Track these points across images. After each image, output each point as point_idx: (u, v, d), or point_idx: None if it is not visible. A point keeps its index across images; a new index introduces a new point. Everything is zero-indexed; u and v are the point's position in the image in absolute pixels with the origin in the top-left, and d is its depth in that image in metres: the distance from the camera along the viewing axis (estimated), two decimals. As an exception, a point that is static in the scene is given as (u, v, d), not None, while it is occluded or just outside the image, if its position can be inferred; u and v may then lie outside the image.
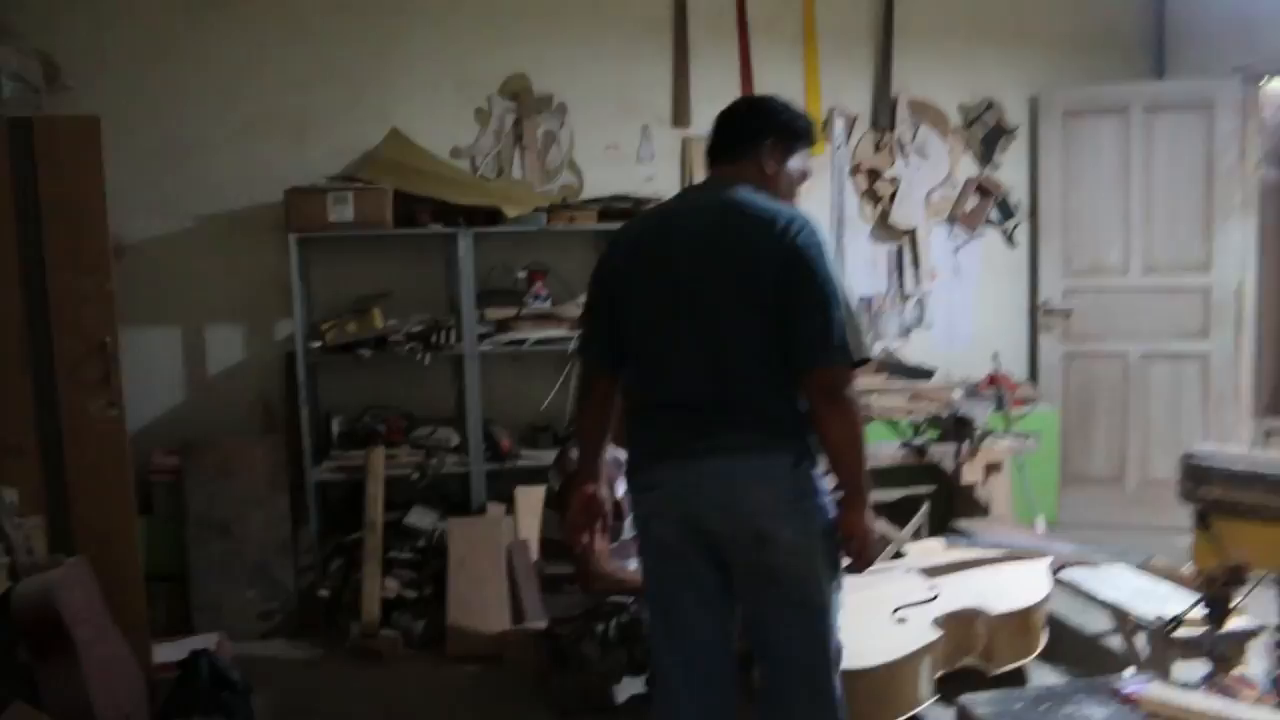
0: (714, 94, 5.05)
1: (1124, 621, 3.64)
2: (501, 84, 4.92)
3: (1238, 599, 3.16)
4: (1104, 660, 3.82)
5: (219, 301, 4.71)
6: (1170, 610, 3.35)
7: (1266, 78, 5.15)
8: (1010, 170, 5.54)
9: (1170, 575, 3.84)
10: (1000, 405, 4.93)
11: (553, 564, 3.49)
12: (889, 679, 3.22)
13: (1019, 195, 5.53)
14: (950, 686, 3.52)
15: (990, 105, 5.49)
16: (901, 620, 3.42)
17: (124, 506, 3.42)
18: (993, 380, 5.08)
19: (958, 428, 4.74)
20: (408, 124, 4.77)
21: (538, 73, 4.95)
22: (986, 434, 4.74)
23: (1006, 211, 5.51)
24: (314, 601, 4.27)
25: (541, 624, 3.77)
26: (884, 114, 5.36)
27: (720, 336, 2.36)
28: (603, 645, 3.42)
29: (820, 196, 5.23)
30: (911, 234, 5.44)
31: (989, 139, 5.50)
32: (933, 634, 3.40)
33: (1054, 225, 5.42)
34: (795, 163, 2.57)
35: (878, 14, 5.34)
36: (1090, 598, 3.74)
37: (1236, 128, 5.15)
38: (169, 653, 3.59)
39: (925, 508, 4.40)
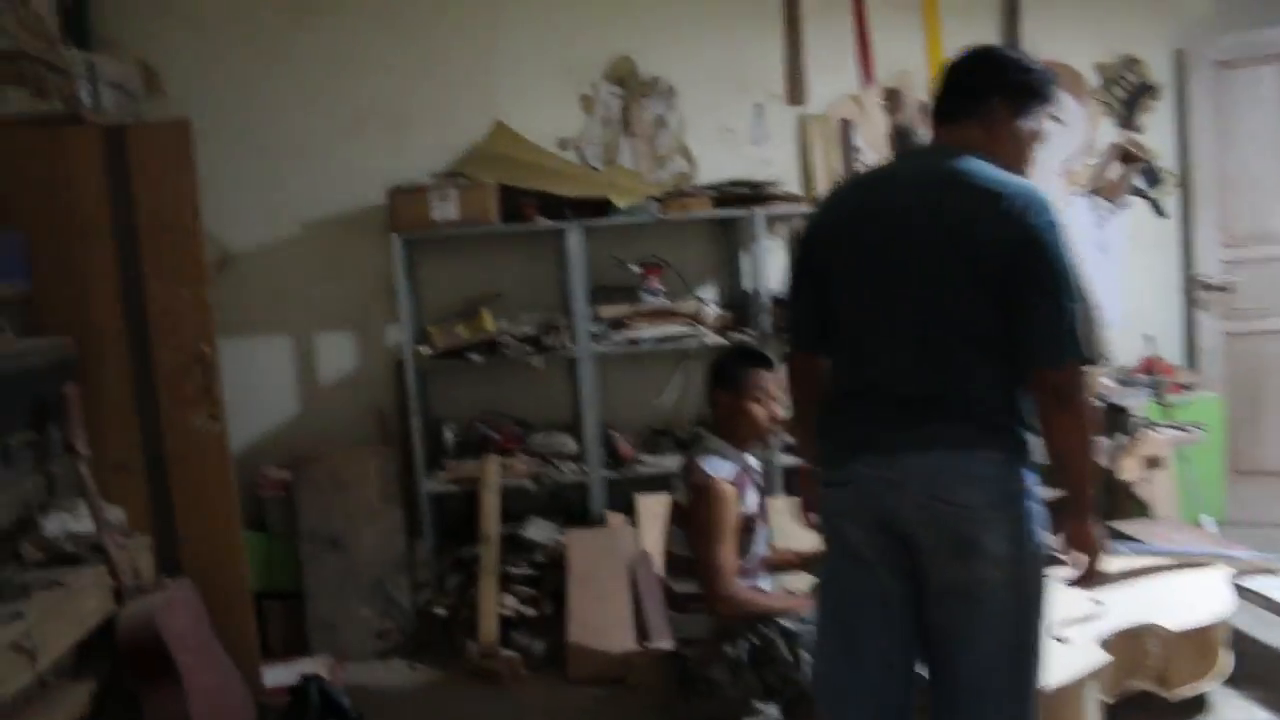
0: (830, 68, 4.75)
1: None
2: (607, 69, 4.65)
3: None
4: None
5: (328, 308, 4.57)
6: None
7: None
8: (1156, 133, 5.04)
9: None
10: (1157, 393, 4.49)
11: (678, 581, 3.23)
12: (1050, 709, 2.87)
13: (1167, 160, 5.03)
14: (1122, 714, 3.17)
15: (1131, 62, 5.02)
16: (1061, 640, 3.06)
17: (230, 523, 3.28)
18: (1148, 366, 4.64)
19: (1112, 419, 4.32)
20: (512, 115, 4.56)
21: (644, 55, 4.67)
22: (1144, 425, 4.32)
23: (1154, 179, 5.03)
24: (430, 620, 4.09)
25: (668, 644, 3.52)
26: (1016, 81, 4.92)
27: (935, 322, 2.15)
28: (733, 670, 3.15)
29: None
30: (1050, 209, 4.98)
31: (1130, 100, 5.02)
32: (1099, 656, 3.05)
33: (1209, 190, 4.93)
34: (1029, 125, 2.28)
35: (1005, -27, 4.93)
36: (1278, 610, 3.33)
37: None
38: (280, 676, 3.46)
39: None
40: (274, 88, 4.47)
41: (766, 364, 3.24)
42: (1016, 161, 2.27)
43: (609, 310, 4.33)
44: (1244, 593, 3.41)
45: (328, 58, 4.50)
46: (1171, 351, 4.98)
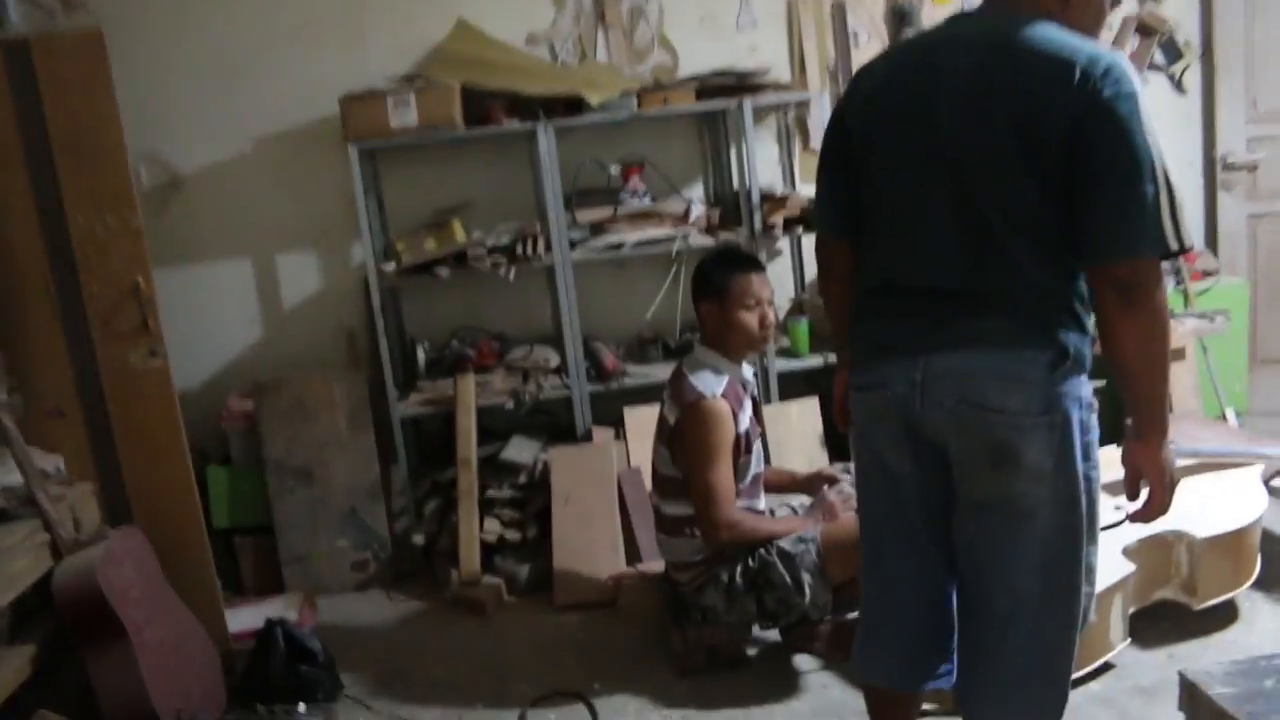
0: (821, -57, 4.35)
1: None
2: (577, -46, 4.27)
3: None
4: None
5: (288, 228, 4.25)
6: None
7: None
8: (1176, 3, 4.65)
9: None
10: (1178, 279, 4.18)
11: (668, 503, 2.97)
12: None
13: (1188, 31, 4.64)
14: (1144, 624, 2.92)
15: (1146, -75, 4.61)
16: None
17: (179, 463, 2.99)
18: (1166, 252, 4.31)
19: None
20: (474, 12, 4.18)
21: (617, -63, 4.28)
22: (1164, 316, 4.01)
23: (1174, 53, 4.63)
24: (409, 549, 3.85)
25: (658, 567, 3.27)
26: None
27: (982, 207, 1.87)
28: (728, 595, 2.90)
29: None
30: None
31: (1147, -33, 4.63)
32: (1124, 567, 2.79)
33: (1234, 63, 4.53)
34: None
35: None
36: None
37: None
38: (247, 619, 3.22)
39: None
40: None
41: (753, 265, 2.94)
42: (1092, 26, 1.95)
43: (588, 215, 4.01)
44: (1275, 493, 3.14)
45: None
46: (1192, 235, 4.64)
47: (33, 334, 2.92)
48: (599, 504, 3.66)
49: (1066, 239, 1.83)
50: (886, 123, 1.99)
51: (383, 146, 3.91)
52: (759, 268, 2.94)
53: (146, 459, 2.98)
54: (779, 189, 4.16)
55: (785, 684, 2.93)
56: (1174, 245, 1.77)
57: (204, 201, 4.19)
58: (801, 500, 3.19)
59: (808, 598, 2.83)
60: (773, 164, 4.37)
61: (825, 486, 3.09)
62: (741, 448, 2.90)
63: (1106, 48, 1.84)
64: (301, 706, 2.91)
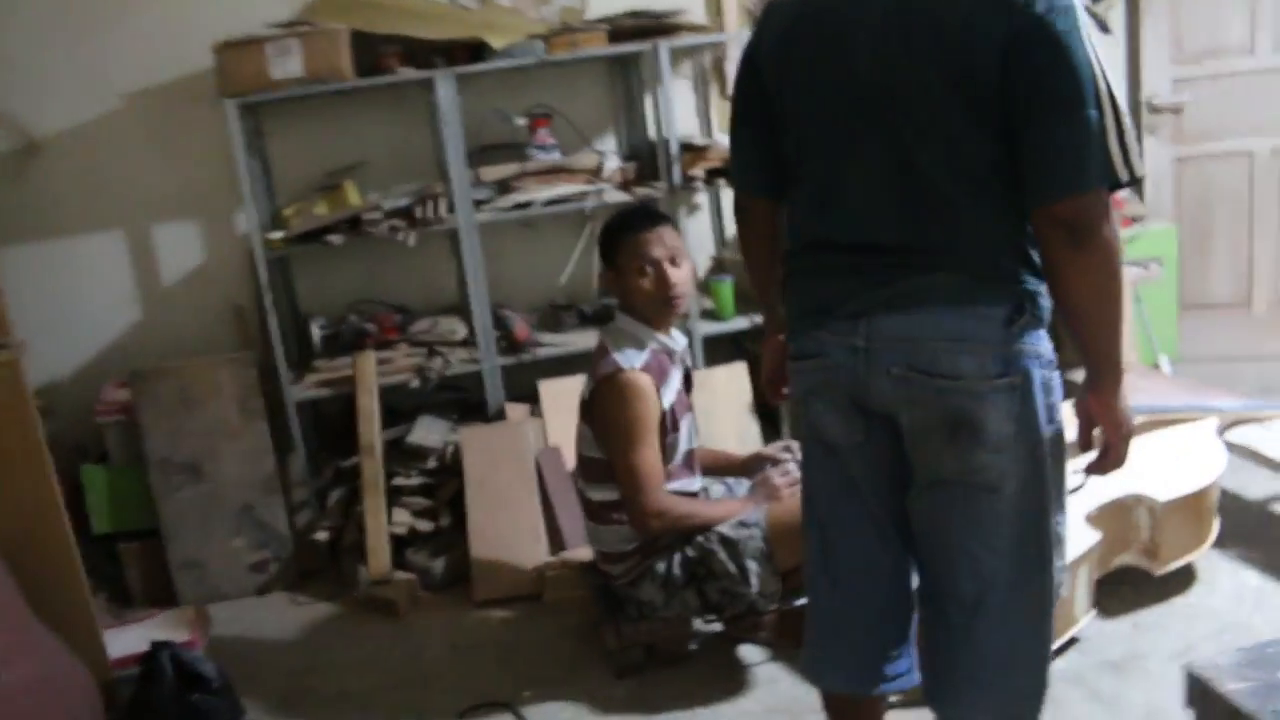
0: None
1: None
2: (471, -114, 3.87)
3: None
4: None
5: (164, 195, 3.79)
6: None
7: None
8: (1096, -61, 4.44)
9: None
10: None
11: (594, 488, 2.68)
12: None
13: (1110, -31, 4.45)
14: (1104, 591, 2.73)
15: None
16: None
17: (37, 470, 2.57)
18: (1094, 196, 4.12)
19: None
20: (361, -51, 3.77)
21: None
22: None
23: (1096, -9, 4.45)
24: (313, 545, 3.49)
25: (586, 553, 2.98)
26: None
27: (917, 151, 1.68)
28: (666, 588, 2.62)
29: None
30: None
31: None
32: (1090, 536, 2.58)
33: (1159, 3, 4.33)
34: None
35: None
36: (1273, 464, 2.89)
37: None
38: (131, 641, 2.83)
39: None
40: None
41: (643, 223, 2.62)
42: None
43: (492, 172, 3.65)
44: (1230, 447, 2.97)
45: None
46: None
47: None
48: (517, 488, 3.34)
49: (1013, 180, 1.64)
50: (801, 63, 1.78)
51: (264, 101, 3.48)
52: (652, 224, 2.62)
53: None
54: (697, 138, 3.85)
55: (732, 680, 2.67)
56: (1123, 175, 1.60)
57: (66, 167, 3.71)
58: (742, 482, 2.93)
59: (755, 587, 2.56)
60: (690, 112, 4.05)
61: (767, 466, 2.82)
62: (667, 425, 2.61)
63: None
64: (195, 739, 2.56)
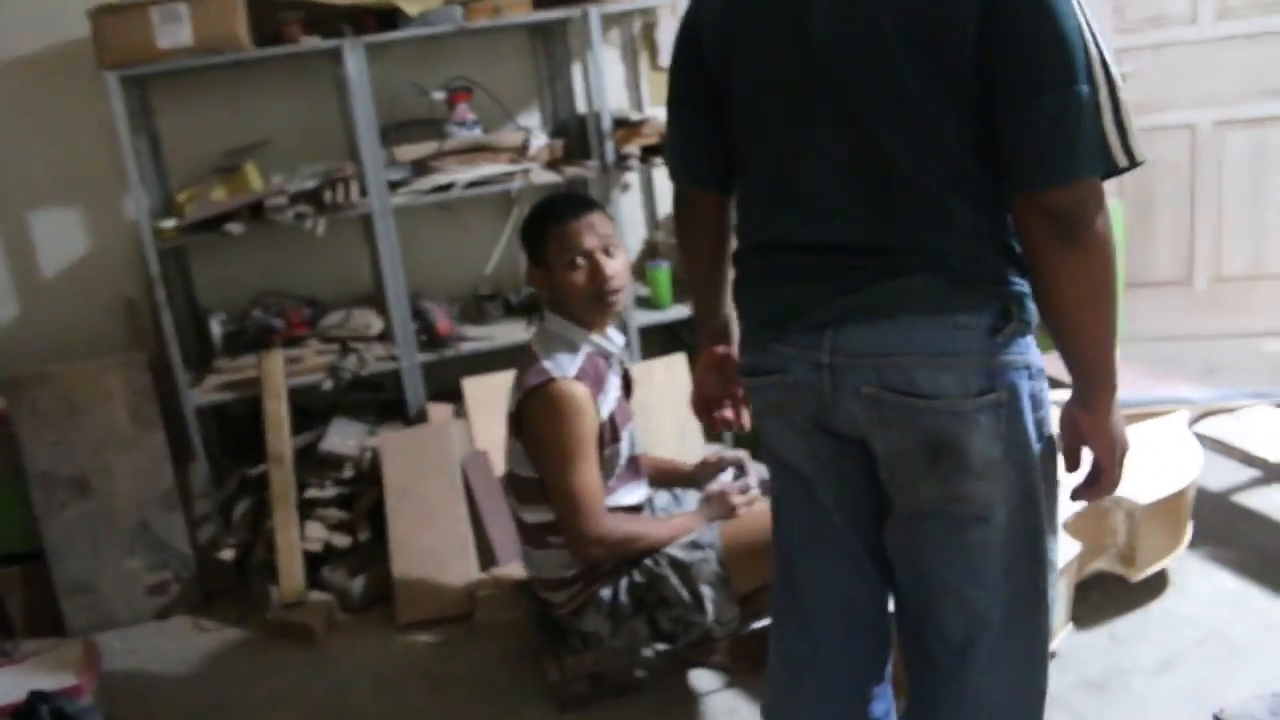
0: None
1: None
2: None
3: None
4: (1258, 532, 2.83)
5: (41, 178, 3.35)
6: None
7: None
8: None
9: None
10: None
11: (528, 509, 2.37)
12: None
13: (1049, -65, 4.22)
14: (1075, 599, 2.51)
15: None
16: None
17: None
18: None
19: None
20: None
21: None
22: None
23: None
24: (218, 563, 3.13)
25: (519, 570, 2.67)
26: None
27: (884, 136, 1.41)
28: (613, 617, 2.33)
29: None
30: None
31: None
32: (1071, 547, 2.36)
33: (1100, -32, 4.14)
34: None
35: None
36: (1249, 456, 2.69)
37: None
38: (8, 688, 2.46)
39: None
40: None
41: (571, 212, 2.30)
42: None
43: (408, 151, 3.29)
44: (1201, 440, 2.77)
45: None
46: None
47: None
48: (442, 497, 3.02)
49: (994, 163, 1.39)
50: (748, 33, 1.51)
51: (152, 73, 3.08)
52: (581, 211, 2.30)
53: None
54: (630, 112, 3.53)
55: (685, 711, 2.41)
56: (1120, 159, 1.35)
57: (-76, 149, 3.28)
58: (689, 493, 2.64)
59: (710, 614, 2.28)
60: (620, 84, 3.72)
61: (719, 475, 2.54)
62: (606, 436, 2.32)
63: None
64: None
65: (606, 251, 2.31)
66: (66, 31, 3.22)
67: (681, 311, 3.41)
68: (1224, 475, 3.05)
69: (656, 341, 3.58)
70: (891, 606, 1.73)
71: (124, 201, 3.38)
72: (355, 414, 3.29)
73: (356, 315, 3.37)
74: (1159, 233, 4.25)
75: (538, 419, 2.25)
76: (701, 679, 2.50)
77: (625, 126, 3.34)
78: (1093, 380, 1.44)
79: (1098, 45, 1.33)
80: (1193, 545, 2.70)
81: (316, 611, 2.90)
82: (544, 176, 3.29)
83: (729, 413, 1.93)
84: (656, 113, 3.50)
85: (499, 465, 2.94)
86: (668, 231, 3.74)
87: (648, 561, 2.31)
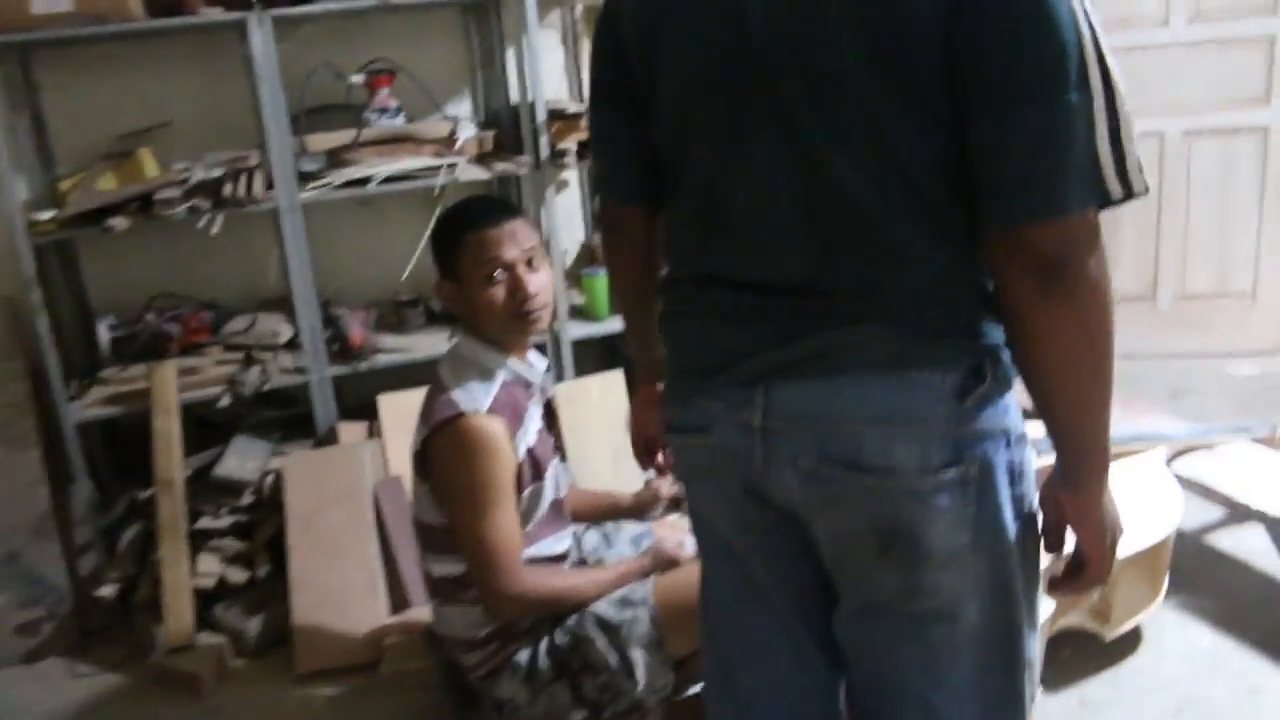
0: None
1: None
2: None
3: None
4: (1232, 579, 2.61)
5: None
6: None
7: None
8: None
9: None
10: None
11: (437, 560, 2.06)
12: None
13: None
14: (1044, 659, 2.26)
15: None
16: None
17: None
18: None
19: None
20: None
21: None
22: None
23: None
24: (98, 599, 2.77)
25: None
26: None
27: (830, 146, 1.14)
28: (531, 683, 2.04)
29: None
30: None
31: None
32: (1045, 606, 2.10)
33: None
34: None
35: None
36: (1232, 502, 2.46)
37: None
38: None
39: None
40: None
41: (489, 219, 1.97)
42: None
43: (322, 141, 2.95)
44: (1179, 481, 2.53)
45: None
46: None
47: None
48: (350, 529, 2.69)
49: (966, 189, 1.12)
50: (674, 25, 1.25)
51: (32, 42, 2.73)
52: (500, 219, 1.97)
53: None
54: (568, 104, 3.21)
55: (611, 786, 2.11)
56: (1115, 190, 1.12)
57: None
58: (621, 528, 2.35)
59: (641, 682, 1.99)
60: (558, 73, 3.40)
61: (658, 513, 2.26)
62: (526, 476, 2.01)
63: None
64: None
65: (529, 264, 2.00)
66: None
67: (618, 324, 3.10)
68: (1194, 514, 2.81)
69: (591, 356, 3.28)
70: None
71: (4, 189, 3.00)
72: (260, 431, 2.95)
73: (263, 321, 3.03)
74: (1122, 246, 4.02)
75: (445, 459, 1.94)
76: (632, 747, 2.22)
77: (562, 119, 3.03)
78: (1080, 457, 1.18)
79: (1096, 42, 1.07)
80: (1166, 595, 2.47)
81: (206, 657, 2.56)
82: (471, 172, 2.96)
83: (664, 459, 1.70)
84: (597, 106, 3.19)
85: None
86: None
87: (570, 621, 2.01)
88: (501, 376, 2.00)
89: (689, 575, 2.03)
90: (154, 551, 2.71)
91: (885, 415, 1.16)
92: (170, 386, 2.76)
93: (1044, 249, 1.05)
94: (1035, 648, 1.32)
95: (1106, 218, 1.10)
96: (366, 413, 2.96)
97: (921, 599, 1.23)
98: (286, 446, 2.92)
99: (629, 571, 2.09)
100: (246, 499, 2.77)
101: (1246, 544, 2.72)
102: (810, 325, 1.18)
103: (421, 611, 2.56)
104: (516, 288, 1.97)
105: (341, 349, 2.96)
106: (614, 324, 3.12)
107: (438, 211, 3.16)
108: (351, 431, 2.92)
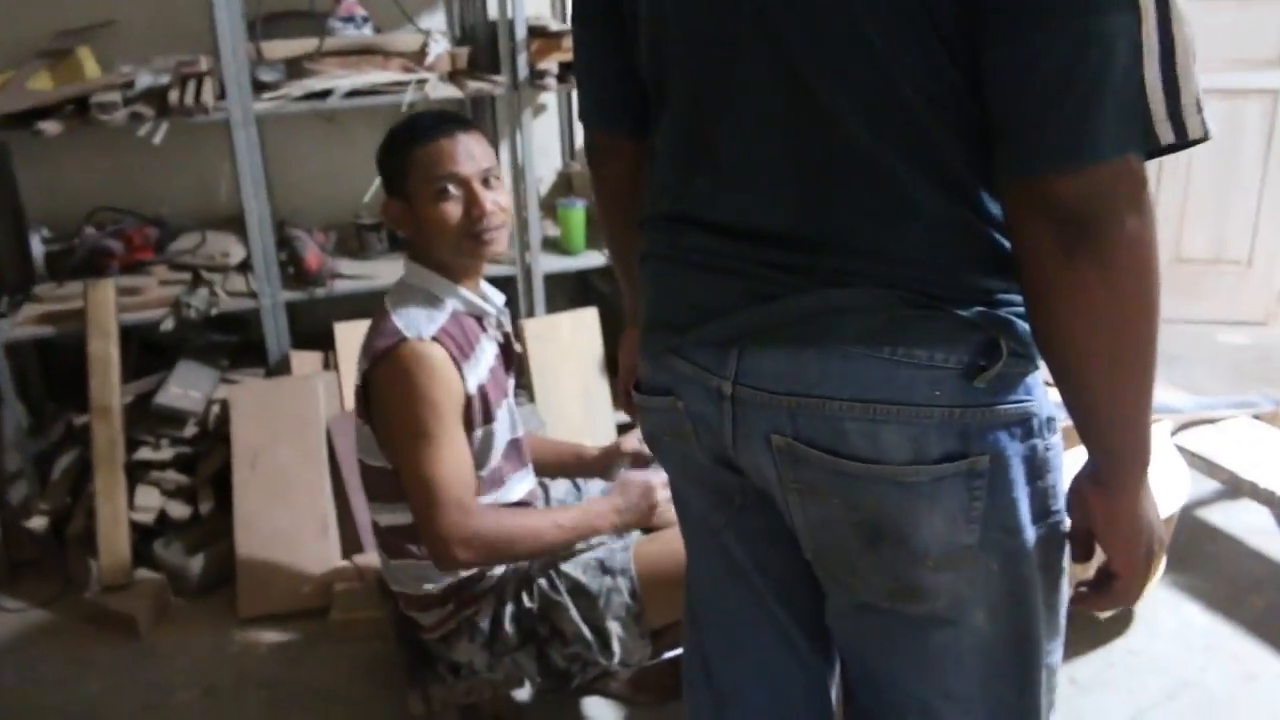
0: None
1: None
2: None
3: None
4: (1227, 556, 2.49)
5: None
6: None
7: None
8: None
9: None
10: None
11: (384, 509, 1.87)
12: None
13: None
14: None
15: None
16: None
17: None
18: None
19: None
20: None
21: None
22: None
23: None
24: (28, 530, 2.57)
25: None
26: None
27: (818, 73, 0.94)
28: (491, 648, 1.87)
29: None
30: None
31: None
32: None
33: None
34: None
35: None
36: (1237, 479, 2.32)
37: None
38: None
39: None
40: None
41: (444, 129, 1.76)
42: None
43: (280, 48, 2.70)
44: (1183, 453, 2.39)
45: None
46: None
47: None
48: (301, 466, 2.50)
49: (978, 127, 0.92)
50: None
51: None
52: (453, 130, 1.77)
53: None
54: (549, 21, 2.97)
55: (574, 754, 1.98)
56: (1166, 134, 0.94)
57: None
58: (595, 483, 2.17)
59: (616, 655, 1.82)
60: (545, -16, 3.16)
61: (627, 467, 2.08)
62: (476, 415, 1.82)
63: None
64: None
65: (485, 183, 1.80)
66: None
67: (595, 259, 2.89)
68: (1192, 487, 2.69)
69: (565, 291, 3.08)
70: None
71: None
72: (206, 357, 2.73)
73: (213, 240, 2.80)
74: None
75: (385, 390, 1.73)
76: (596, 710, 2.07)
77: (543, 37, 2.78)
78: (1112, 454, 0.98)
79: None
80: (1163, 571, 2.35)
81: (143, 598, 2.38)
82: (442, 90, 2.72)
83: None
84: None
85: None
86: (585, 163, 3.22)
87: (541, 582, 1.84)
88: (451, 305, 1.80)
89: (673, 540, 1.85)
90: (89, 481, 2.52)
91: (872, 395, 0.97)
92: (109, 307, 2.53)
93: (1070, 204, 0.85)
94: (1057, 652, 1.15)
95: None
96: (322, 342, 2.75)
97: (916, 601, 1.06)
98: (235, 374, 2.71)
99: (596, 513, 1.88)
100: (190, 430, 2.56)
101: (1242, 520, 2.60)
102: (792, 283, 1.00)
103: (375, 556, 2.39)
104: (471, 204, 1.77)
105: (297, 273, 2.74)
106: (589, 259, 2.91)
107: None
108: (305, 361, 2.71)
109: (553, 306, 2.91)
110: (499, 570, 1.87)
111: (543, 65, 2.76)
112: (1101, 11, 0.82)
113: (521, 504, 1.95)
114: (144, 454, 2.53)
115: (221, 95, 2.58)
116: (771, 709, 1.29)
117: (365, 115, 2.91)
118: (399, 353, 1.71)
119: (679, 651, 1.54)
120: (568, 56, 2.77)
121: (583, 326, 2.89)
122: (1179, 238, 3.81)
